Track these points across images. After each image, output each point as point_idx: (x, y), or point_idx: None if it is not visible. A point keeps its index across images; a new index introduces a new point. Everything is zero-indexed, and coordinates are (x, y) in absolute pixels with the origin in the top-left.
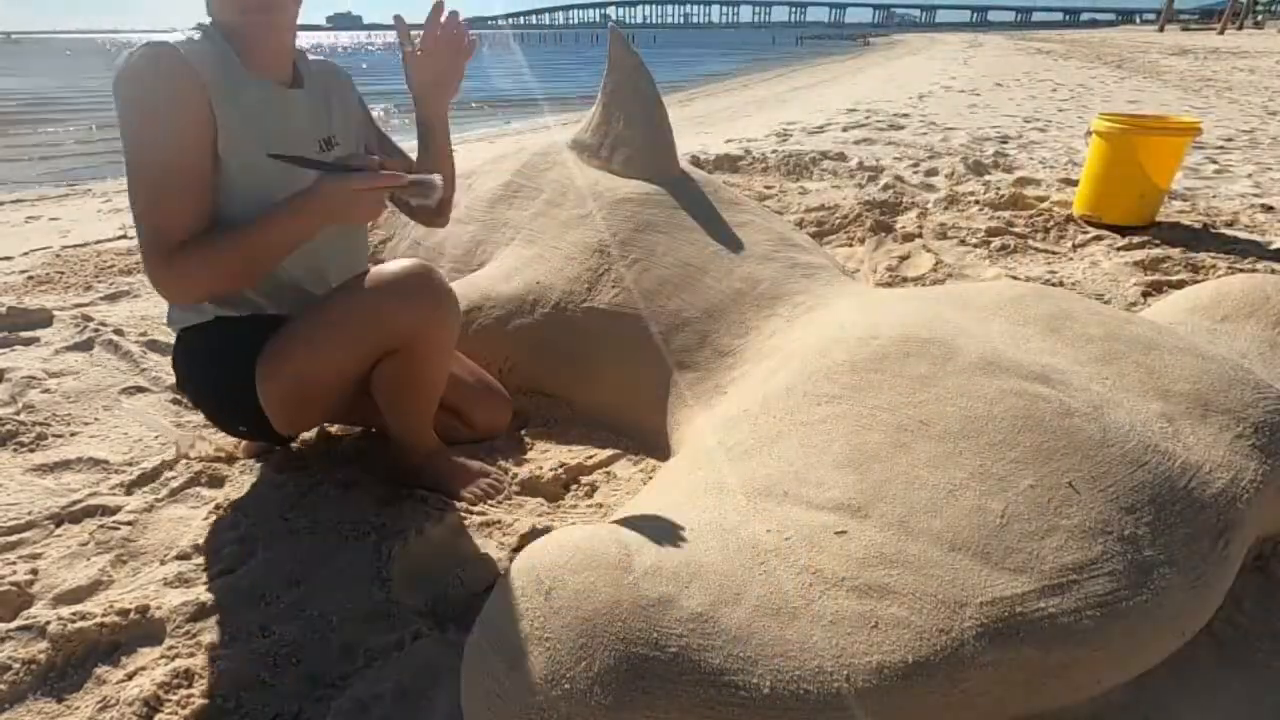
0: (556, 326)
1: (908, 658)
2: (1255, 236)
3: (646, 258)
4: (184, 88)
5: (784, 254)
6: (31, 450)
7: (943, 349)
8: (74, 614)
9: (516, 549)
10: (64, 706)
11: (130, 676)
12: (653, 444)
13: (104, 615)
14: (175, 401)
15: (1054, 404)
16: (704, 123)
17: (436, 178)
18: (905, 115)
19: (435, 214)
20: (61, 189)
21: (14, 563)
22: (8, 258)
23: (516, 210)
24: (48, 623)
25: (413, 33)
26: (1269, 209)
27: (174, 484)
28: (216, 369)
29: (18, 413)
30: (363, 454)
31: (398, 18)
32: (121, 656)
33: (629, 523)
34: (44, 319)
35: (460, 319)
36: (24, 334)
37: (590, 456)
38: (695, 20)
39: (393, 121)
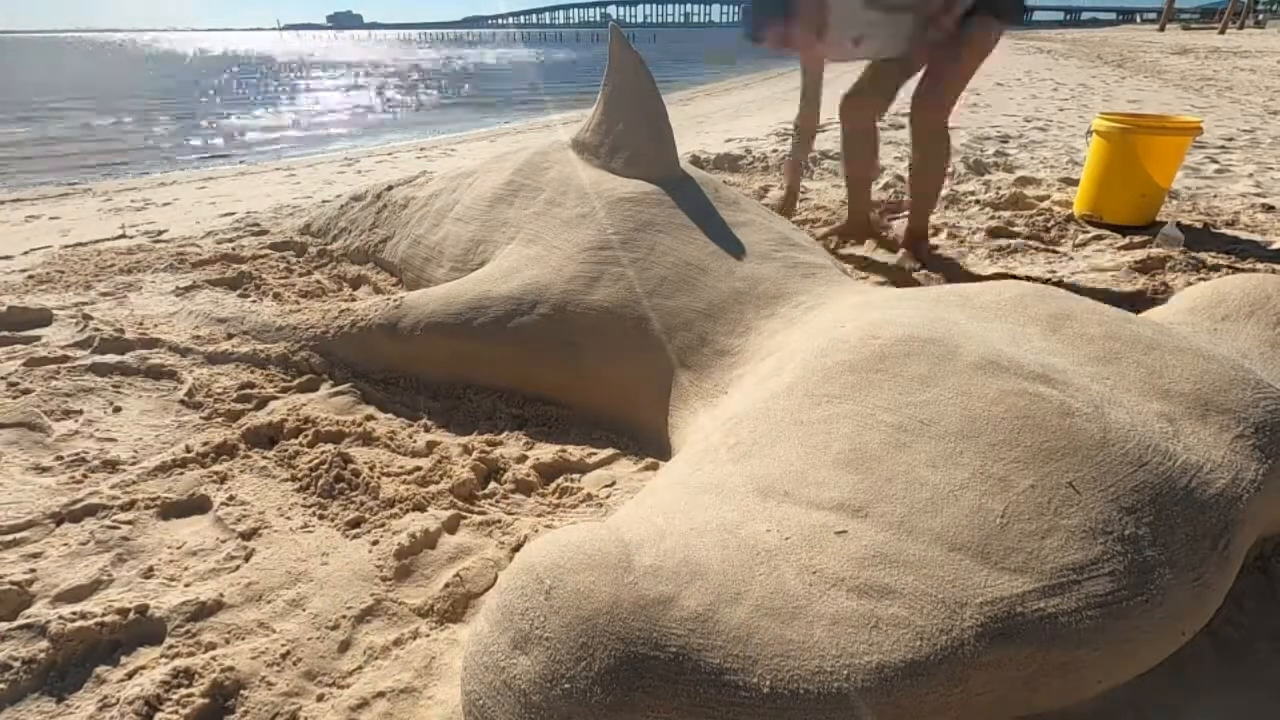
0: (556, 325)
1: (908, 658)
2: (1256, 236)
3: (646, 257)
4: None
5: (784, 254)
6: (31, 449)
7: (943, 349)
8: (74, 613)
9: (516, 549)
10: (64, 706)
11: (130, 676)
12: (653, 444)
13: (104, 614)
14: (175, 400)
15: (1054, 404)
16: (704, 122)
17: None
18: (906, 115)
19: None
20: (62, 189)
21: (14, 562)
22: (8, 257)
23: (517, 209)
24: (48, 622)
25: None
26: (1270, 209)
27: (174, 483)
28: None
29: (18, 411)
30: (363, 452)
31: None
32: (121, 656)
33: (629, 522)
34: (44, 318)
35: None
36: (24, 333)
37: (590, 456)
38: (696, 20)
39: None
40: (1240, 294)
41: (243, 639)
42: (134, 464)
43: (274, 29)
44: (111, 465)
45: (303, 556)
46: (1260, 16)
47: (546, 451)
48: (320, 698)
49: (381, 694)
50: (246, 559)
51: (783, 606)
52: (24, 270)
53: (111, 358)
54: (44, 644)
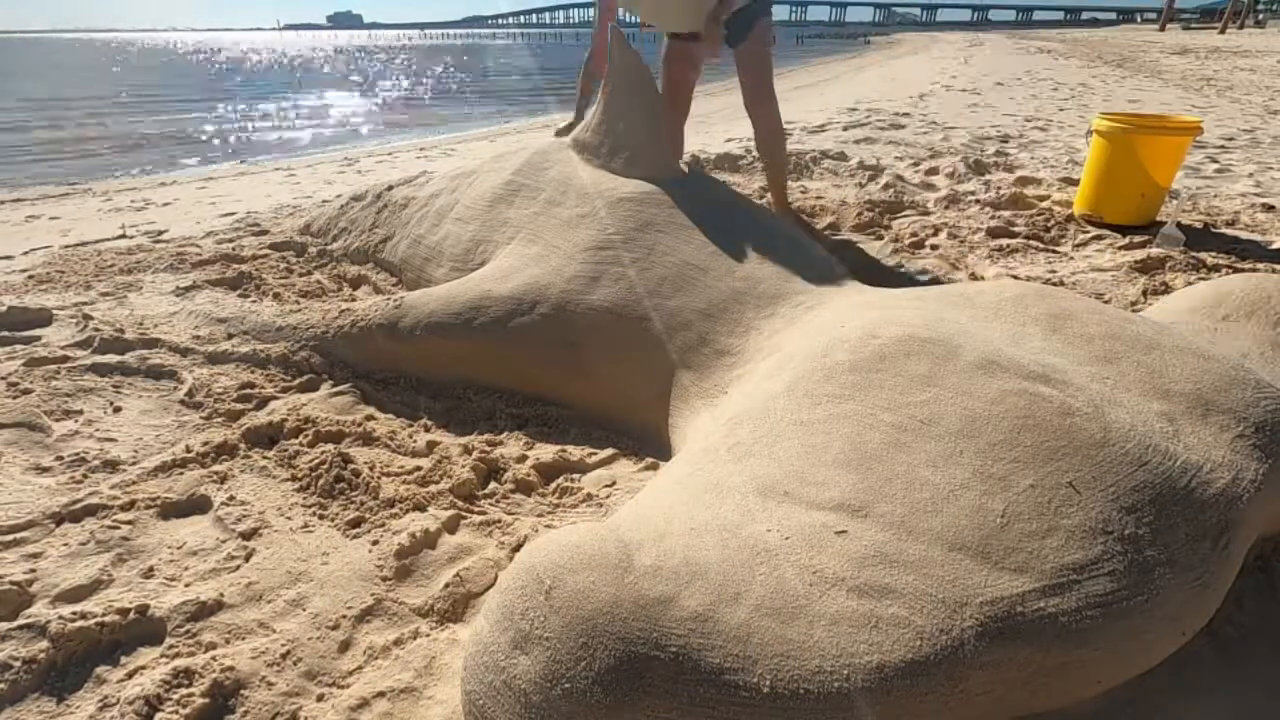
0: (557, 325)
1: (908, 657)
2: (1256, 236)
3: (646, 257)
4: None
5: (784, 253)
6: (32, 449)
7: (943, 348)
8: (74, 613)
9: (516, 549)
10: (64, 706)
11: (130, 676)
12: (653, 444)
13: (104, 614)
14: (175, 400)
15: (1055, 404)
16: (704, 122)
17: None
18: (906, 114)
19: None
20: (62, 189)
21: (14, 562)
22: (8, 257)
23: (517, 209)
24: (48, 622)
25: None
26: (1270, 209)
27: (174, 482)
28: None
29: (18, 411)
30: (363, 452)
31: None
32: (121, 656)
33: (629, 522)
34: (44, 318)
35: None
36: (24, 333)
37: (590, 456)
38: None
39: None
40: (1241, 293)
41: (243, 639)
42: (134, 464)
43: (274, 29)
44: (111, 465)
45: (303, 556)
46: (1260, 16)
47: (546, 451)
48: (320, 698)
49: (381, 694)
50: (247, 559)
51: (783, 606)
52: (24, 270)
53: (111, 358)
54: (44, 644)
